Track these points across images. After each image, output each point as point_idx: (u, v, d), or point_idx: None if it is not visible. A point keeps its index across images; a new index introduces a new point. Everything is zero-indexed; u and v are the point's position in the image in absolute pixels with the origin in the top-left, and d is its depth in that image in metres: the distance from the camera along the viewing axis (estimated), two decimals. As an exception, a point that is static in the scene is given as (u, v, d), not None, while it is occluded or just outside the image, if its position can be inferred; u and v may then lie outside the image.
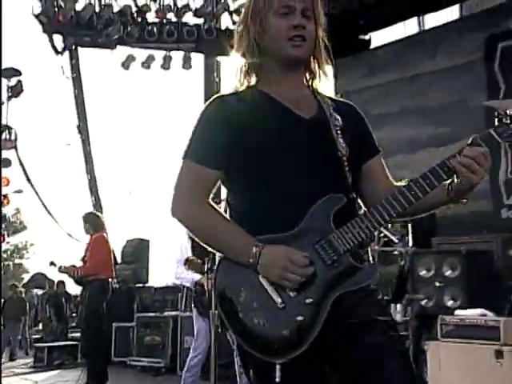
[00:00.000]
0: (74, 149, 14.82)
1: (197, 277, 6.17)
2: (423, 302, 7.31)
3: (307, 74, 2.33)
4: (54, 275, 18.02)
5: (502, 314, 6.59)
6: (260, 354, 2.03)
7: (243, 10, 2.30)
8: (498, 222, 10.05)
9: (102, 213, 14.24)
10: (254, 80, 2.31)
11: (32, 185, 14.64)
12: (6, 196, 14.62)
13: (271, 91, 2.25)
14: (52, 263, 8.00)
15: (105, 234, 8.11)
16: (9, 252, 39.47)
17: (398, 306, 7.23)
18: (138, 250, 11.82)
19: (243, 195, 2.21)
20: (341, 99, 2.44)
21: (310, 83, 2.34)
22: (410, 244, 7.66)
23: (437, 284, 7.33)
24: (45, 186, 20.32)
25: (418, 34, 12.06)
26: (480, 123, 10.79)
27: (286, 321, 2.01)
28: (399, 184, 2.23)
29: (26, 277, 41.22)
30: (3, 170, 14.26)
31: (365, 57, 12.60)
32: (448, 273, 7.39)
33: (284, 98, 2.23)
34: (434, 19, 11.83)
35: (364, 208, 2.31)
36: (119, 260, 11.11)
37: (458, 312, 6.69)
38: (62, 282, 16.68)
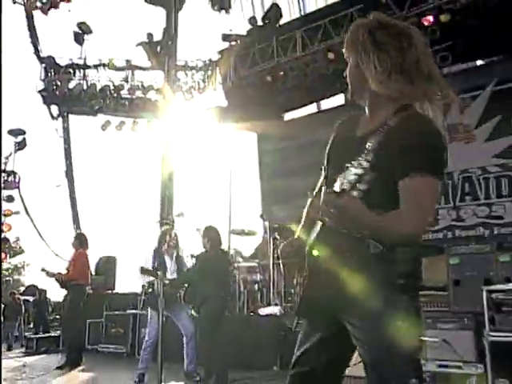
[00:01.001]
0: (63, 189, 14.52)
1: (150, 279, 6.18)
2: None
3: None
4: (43, 285, 17.40)
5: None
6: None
7: None
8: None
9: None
10: None
11: (29, 216, 14.18)
12: (9, 225, 14.08)
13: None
14: (43, 269, 7.72)
15: (87, 251, 7.92)
16: (10, 270, 37.79)
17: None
18: (108, 265, 11.67)
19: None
20: (413, 118, 1.81)
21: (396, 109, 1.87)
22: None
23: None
24: (39, 216, 19.63)
25: (317, 112, 12.44)
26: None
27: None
28: None
29: (22, 289, 39.46)
30: (8, 204, 13.82)
31: (280, 126, 12.81)
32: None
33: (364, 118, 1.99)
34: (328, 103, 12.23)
35: None
36: (93, 272, 10.87)
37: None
38: (44, 291, 16.23)
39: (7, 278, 37.24)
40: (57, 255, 14.28)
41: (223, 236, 6.69)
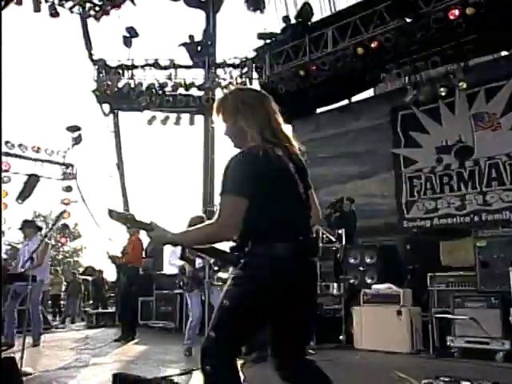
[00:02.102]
0: (114, 179, 14.85)
1: (180, 263, 6.16)
2: (352, 281, 7.37)
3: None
4: (100, 266, 17.91)
5: (402, 286, 6.68)
6: None
7: None
8: (401, 229, 10.19)
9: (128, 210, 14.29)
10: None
11: (86, 204, 14.48)
12: (68, 212, 14.48)
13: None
14: (108, 253, 8.02)
15: (140, 236, 8.10)
16: (69, 253, 39.01)
17: (335, 284, 7.27)
18: (156, 248, 11.86)
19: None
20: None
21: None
22: (344, 242, 7.73)
23: (361, 268, 7.40)
24: (94, 204, 20.10)
25: (347, 105, 12.26)
26: (389, 163, 11.00)
27: None
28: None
29: (81, 269, 40.74)
30: (67, 194, 14.20)
31: (312, 119, 12.76)
32: (368, 260, 7.47)
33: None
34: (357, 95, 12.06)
35: None
36: (144, 254, 11.10)
37: (374, 286, 6.76)
38: (100, 271, 16.70)
39: (68, 260, 38.56)
40: (110, 239, 14.62)
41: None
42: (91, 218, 14.46)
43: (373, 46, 9.51)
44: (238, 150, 2.15)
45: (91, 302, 17.34)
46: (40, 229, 7.78)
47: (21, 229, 7.42)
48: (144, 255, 9.59)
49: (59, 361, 5.82)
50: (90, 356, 6.17)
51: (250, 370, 5.22)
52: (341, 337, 6.79)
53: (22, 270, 6.86)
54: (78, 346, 7.20)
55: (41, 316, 7.16)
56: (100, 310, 11.55)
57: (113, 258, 7.99)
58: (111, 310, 11.67)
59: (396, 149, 10.85)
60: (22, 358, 4.86)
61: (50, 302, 16.46)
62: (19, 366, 4.76)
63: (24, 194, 13.73)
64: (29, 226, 7.40)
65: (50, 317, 15.33)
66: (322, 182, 12.46)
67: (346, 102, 12.36)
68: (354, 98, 12.30)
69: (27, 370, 4.93)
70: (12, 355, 4.32)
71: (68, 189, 14.19)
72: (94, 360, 5.87)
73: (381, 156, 11.09)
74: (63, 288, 17.36)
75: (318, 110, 12.88)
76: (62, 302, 17.29)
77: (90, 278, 18.36)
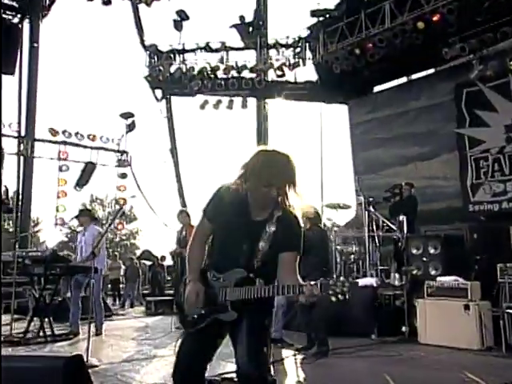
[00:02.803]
0: (168, 165, 15.15)
1: None
2: (414, 272, 7.20)
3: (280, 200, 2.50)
4: (156, 250, 18.50)
5: (469, 279, 6.46)
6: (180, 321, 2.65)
7: (244, 165, 2.51)
8: (466, 214, 9.84)
9: (185, 206, 14.57)
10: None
11: (141, 190, 14.94)
12: (124, 199, 14.98)
13: (250, 198, 2.50)
14: (170, 253, 8.28)
15: (193, 225, 8.21)
16: (126, 235, 40.43)
17: (397, 274, 7.14)
18: None
19: (211, 245, 2.64)
20: (291, 214, 2.50)
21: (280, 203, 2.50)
22: (405, 231, 7.55)
23: (424, 259, 7.21)
24: (149, 190, 20.65)
25: (407, 83, 11.85)
26: (451, 144, 10.60)
27: (191, 312, 2.52)
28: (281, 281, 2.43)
29: (138, 252, 42.20)
30: (123, 180, 14.67)
31: (370, 98, 12.44)
32: (432, 251, 7.26)
33: (253, 204, 2.51)
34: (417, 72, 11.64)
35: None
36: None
37: (438, 278, 6.58)
38: (157, 257, 17.23)
39: (124, 242, 40.03)
40: (165, 225, 15.02)
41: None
42: (146, 204, 14.91)
43: (434, 19, 9.12)
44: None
45: (148, 286, 17.96)
46: (95, 218, 8.05)
47: (76, 217, 7.71)
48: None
49: (122, 352, 6.06)
50: (152, 347, 6.37)
51: (309, 366, 5.25)
52: (403, 328, 6.68)
53: (81, 261, 7.21)
54: (138, 336, 7.47)
55: (102, 305, 7.46)
56: (158, 298, 11.90)
57: (176, 254, 8.18)
58: (169, 297, 11.99)
59: (460, 128, 10.41)
60: (87, 349, 5.12)
61: (109, 286, 17.19)
62: (85, 357, 5.05)
63: (82, 182, 14.31)
64: (84, 215, 7.67)
65: (109, 300, 16.07)
66: (380, 164, 12.24)
67: (404, 79, 11.96)
68: (414, 76, 11.88)
69: (92, 361, 5.17)
70: (79, 353, 4.52)
71: (123, 176, 14.66)
72: (155, 352, 6.06)
73: (443, 136, 10.71)
74: (122, 272, 18.02)
75: (376, 90, 12.54)
76: (121, 286, 17.99)
77: (147, 263, 19.00)
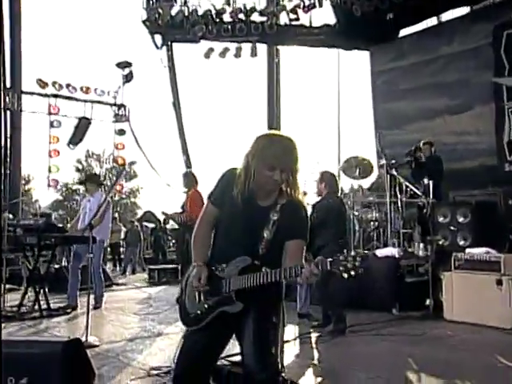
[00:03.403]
0: (171, 120, 15.05)
1: None
2: (441, 242, 7.17)
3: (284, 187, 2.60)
4: (158, 214, 18.60)
5: (503, 251, 6.43)
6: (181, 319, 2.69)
7: (248, 150, 2.60)
8: (501, 174, 9.70)
9: (191, 167, 14.56)
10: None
11: (140, 147, 14.90)
12: (123, 158, 14.99)
13: (254, 186, 2.56)
14: (163, 213, 8.29)
15: (199, 189, 8.21)
16: (126, 193, 40.77)
17: (421, 244, 7.13)
18: None
19: (216, 232, 2.70)
20: (296, 201, 2.60)
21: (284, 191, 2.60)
22: (431, 195, 7.49)
23: (452, 228, 7.17)
24: (150, 148, 20.63)
25: (437, 25, 11.49)
26: (486, 95, 10.35)
27: (194, 308, 2.59)
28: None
29: (139, 212, 42.66)
30: (121, 137, 14.63)
31: (394, 44, 12.12)
32: (461, 219, 7.20)
33: (258, 191, 2.57)
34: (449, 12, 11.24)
35: None
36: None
37: (467, 250, 6.55)
38: (159, 220, 17.40)
39: (124, 201, 40.42)
40: (168, 185, 15.06)
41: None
42: (147, 162, 14.91)
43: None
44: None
45: (151, 251, 18.22)
46: (102, 184, 8.08)
47: (83, 183, 7.75)
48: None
49: (123, 329, 6.18)
50: (155, 323, 6.49)
51: (324, 345, 5.31)
52: (428, 301, 6.72)
53: (79, 231, 7.27)
54: (141, 310, 7.61)
55: (102, 277, 7.57)
56: (162, 266, 12.07)
57: (171, 218, 8.20)
58: (173, 265, 12.17)
59: (498, 77, 10.13)
60: (87, 327, 5.22)
61: (109, 250, 17.45)
62: (84, 337, 5.16)
63: (75, 139, 14.29)
64: (91, 182, 7.70)
65: (109, 266, 16.36)
66: (404, 118, 12.05)
67: (434, 21, 11.61)
68: (445, 17, 11.51)
69: (92, 340, 5.28)
70: (77, 336, 4.61)
71: (121, 132, 14.61)
72: (159, 328, 6.18)
73: (476, 86, 10.47)
74: (122, 235, 18.25)
75: (401, 34, 12.22)
76: (121, 249, 18.27)
77: (149, 225, 19.20)
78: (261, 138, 2.57)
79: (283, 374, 2.67)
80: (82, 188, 43.93)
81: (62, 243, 7.26)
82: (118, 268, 17.51)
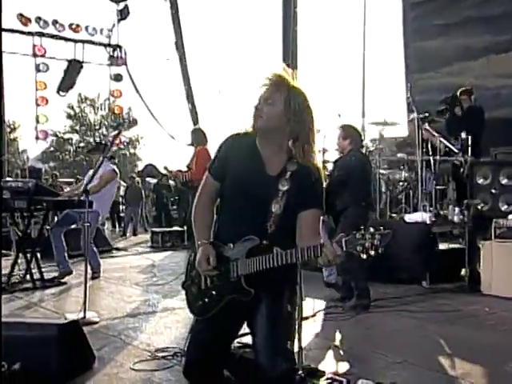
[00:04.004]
0: (173, 62, 14.86)
1: None
2: (479, 206, 7.13)
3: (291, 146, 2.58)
4: (161, 167, 18.63)
5: (552, 217, 6.37)
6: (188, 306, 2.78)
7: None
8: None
9: (196, 116, 14.51)
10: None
11: (140, 95, 14.80)
12: (120, 107, 14.92)
13: (260, 144, 2.61)
14: (165, 168, 8.34)
15: (207, 147, 8.20)
16: (125, 143, 40.82)
17: (457, 209, 7.10)
18: None
19: (220, 208, 2.73)
20: (306, 167, 2.57)
21: (292, 152, 2.58)
22: (469, 154, 7.41)
23: (493, 191, 7.11)
24: (151, 95, 20.49)
25: None
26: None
27: (200, 297, 2.63)
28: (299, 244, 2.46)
29: (140, 164, 42.82)
30: (117, 84, 14.51)
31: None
32: (504, 181, 7.12)
33: (264, 153, 2.59)
34: None
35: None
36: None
37: (510, 216, 6.51)
38: (163, 176, 17.40)
39: (123, 152, 40.48)
40: (172, 137, 15.03)
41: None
42: (148, 112, 14.86)
43: None
44: None
45: (154, 209, 18.41)
46: (112, 157, 8.15)
47: (89, 152, 7.81)
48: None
49: (124, 302, 6.32)
50: (160, 296, 6.62)
51: (345, 323, 5.37)
52: (463, 271, 6.76)
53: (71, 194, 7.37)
54: (144, 280, 7.76)
55: (95, 249, 7.65)
56: (166, 229, 12.22)
57: (175, 176, 8.24)
58: (178, 227, 12.31)
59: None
60: (84, 302, 5.34)
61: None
62: (82, 313, 5.29)
63: (65, 84, 14.21)
64: (95, 153, 7.82)
65: (107, 225, 16.62)
66: (440, 58, 11.79)
67: None
68: None
69: (90, 316, 5.41)
70: (75, 318, 4.72)
71: (117, 77, 14.49)
72: (164, 303, 6.30)
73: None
74: (122, 192, 18.41)
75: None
76: (121, 207, 18.50)
77: (151, 181, 19.33)
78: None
79: (300, 372, 2.71)
80: (74, 137, 44.44)
81: (55, 208, 7.32)
82: (117, 229, 17.79)
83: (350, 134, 6.01)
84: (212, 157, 8.03)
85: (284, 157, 2.57)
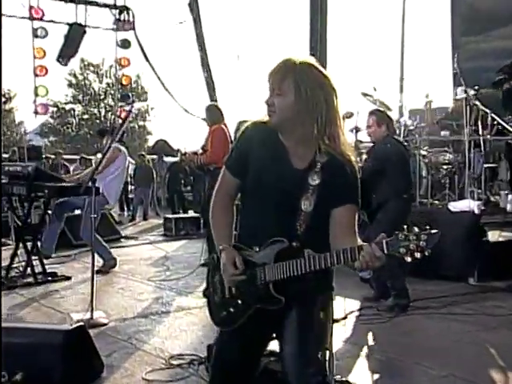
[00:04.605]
0: (187, 26, 14.76)
1: None
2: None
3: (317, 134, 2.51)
4: (174, 143, 18.68)
5: None
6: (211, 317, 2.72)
7: None
8: None
9: (213, 85, 14.47)
10: None
11: (150, 63, 14.73)
12: (128, 77, 14.90)
13: (283, 136, 2.55)
14: (179, 151, 8.37)
15: (223, 126, 8.19)
16: (133, 115, 40.83)
17: (510, 196, 7.06)
18: None
19: (242, 207, 2.68)
20: (339, 157, 2.53)
21: (318, 142, 2.52)
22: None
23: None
24: (162, 63, 20.48)
25: None
26: None
27: (224, 306, 2.60)
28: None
29: (150, 138, 43.00)
30: (124, 51, 14.48)
31: None
32: None
33: (288, 144, 2.54)
34: None
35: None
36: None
37: None
38: (176, 151, 17.47)
39: (132, 124, 40.59)
40: (186, 111, 15.01)
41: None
42: (159, 82, 14.86)
43: None
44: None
45: (166, 189, 18.48)
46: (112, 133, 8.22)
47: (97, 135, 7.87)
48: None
49: (135, 300, 6.44)
50: (174, 293, 6.74)
51: (380, 327, 5.38)
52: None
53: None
54: (156, 275, 7.87)
55: (100, 238, 7.72)
56: (180, 216, 12.32)
57: (190, 160, 8.28)
58: (194, 212, 12.39)
59: None
60: (91, 301, 5.42)
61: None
62: (89, 313, 5.38)
63: (67, 52, 14.15)
64: (103, 136, 7.89)
65: (115, 209, 16.75)
66: (493, 19, 11.57)
67: None
68: None
69: (98, 317, 5.51)
70: (81, 318, 4.79)
71: (125, 44, 14.44)
72: (178, 301, 6.41)
73: None
74: (130, 171, 18.46)
75: None
76: (130, 188, 18.61)
77: (165, 159, 19.35)
78: None
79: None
80: (77, 108, 44.64)
81: (57, 195, 7.38)
82: (125, 212, 17.93)
83: (385, 119, 5.99)
84: (229, 137, 8.03)
85: (312, 147, 2.52)
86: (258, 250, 2.53)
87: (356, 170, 2.58)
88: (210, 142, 8.04)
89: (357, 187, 2.57)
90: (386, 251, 2.17)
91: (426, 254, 2.13)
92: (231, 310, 2.60)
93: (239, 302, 2.57)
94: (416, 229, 2.14)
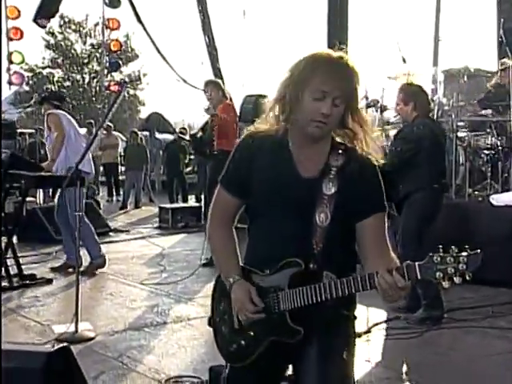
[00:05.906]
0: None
1: None
2: None
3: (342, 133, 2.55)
4: (170, 117, 18.56)
5: None
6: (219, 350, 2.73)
7: (286, 76, 2.50)
8: None
9: (215, 51, 14.44)
10: (283, 124, 2.55)
11: (143, 25, 14.75)
12: (118, 41, 14.89)
13: (293, 145, 2.54)
14: (181, 137, 8.36)
15: (228, 102, 8.18)
16: (122, 81, 40.61)
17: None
18: (258, 108, 11.56)
19: (249, 225, 2.69)
20: (360, 159, 2.51)
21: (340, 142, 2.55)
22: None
23: None
24: (156, 25, 20.40)
25: None
26: None
27: (233, 339, 2.61)
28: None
29: (142, 110, 42.76)
30: (113, 11, 14.45)
31: None
32: None
33: (298, 152, 2.53)
34: None
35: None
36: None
37: None
38: (177, 132, 17.33)
39: (126, 95, 40.24)
40: (184, 81, 15.03)
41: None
42: (153, 47, 14.87)
43: None
44: None
45: (162, 172, 18.42)
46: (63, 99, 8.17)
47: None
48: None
49: (127, 309, 6.48)
50: (172, 300, 6.79)
51: (410, 343, 5.37)
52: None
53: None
54: (150, 277, 7.94)
55: (90, 225, 7.76)
56: (178, 205, 12.32)
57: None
58: (195, 201, 12.36)
59: None
60: (76, 312, 5.43)
61: (101, 170, 17.81)
62: (74, 325, 5.40)
63: (45, 10, 14.12)
64: (40, 104, 7.88)
65: (102, 193, 16.79)
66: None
67: None
68: None
69: (84, 329, 5.53)
70: (65, 344, 4.79)
71: (113, 2, 14.41)
72: (177, 310, 6.45)
73: None
74: (120, 150, 18.41)
75: None
76: (120, 169, 18.58)
77: (161, 138, 19.22)
78: (302, 61, 2.48)
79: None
80: (57, 74, 44.38)
81: (36, 186, 7.43)
82: (114, 198, 17.94)
83: (414, 95, 5.95)
84: (234, 114, 7.93)
85: (325, 149, 2.52)
86: (268, 272, 2.54)
87: (377, 169, 2.56)
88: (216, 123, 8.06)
89: (381, 189, 2.56)
90: (419, 276, 2.16)
91: (468, 278, 2.10)
92: (242, 343, 2.60)
93: (251, 333, 2.57)
94: (455, 249, 2.12)
